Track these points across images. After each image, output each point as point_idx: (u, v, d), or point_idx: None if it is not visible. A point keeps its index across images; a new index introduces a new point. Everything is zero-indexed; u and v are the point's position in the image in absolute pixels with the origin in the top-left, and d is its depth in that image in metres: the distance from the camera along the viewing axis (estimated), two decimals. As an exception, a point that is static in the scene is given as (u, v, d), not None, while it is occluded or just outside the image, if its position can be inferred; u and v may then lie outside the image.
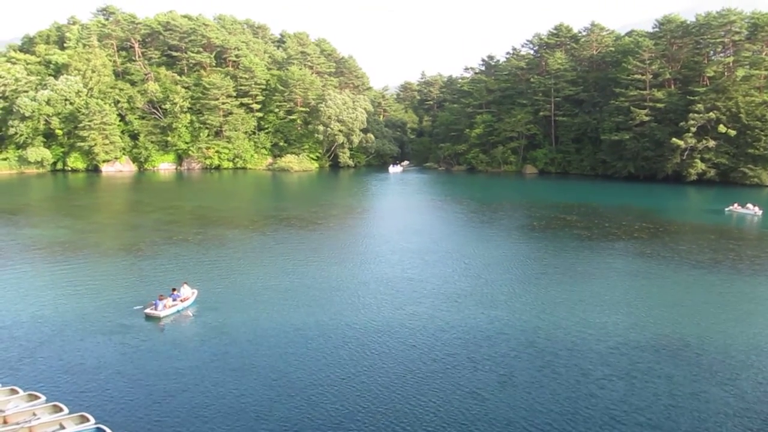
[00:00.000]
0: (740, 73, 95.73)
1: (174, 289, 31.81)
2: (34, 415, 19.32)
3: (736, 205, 65.02)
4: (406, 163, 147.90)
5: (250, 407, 20.49)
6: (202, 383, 22.29)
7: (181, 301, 31.40)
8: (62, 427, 18.69)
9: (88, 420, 18.97)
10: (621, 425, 19.29)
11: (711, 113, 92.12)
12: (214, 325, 28.80)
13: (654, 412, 20.17)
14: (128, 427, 18.83)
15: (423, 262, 41.63)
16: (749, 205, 63.89)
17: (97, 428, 18.50)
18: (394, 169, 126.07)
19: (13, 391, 20.83)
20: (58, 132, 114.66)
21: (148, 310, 30.00)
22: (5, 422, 19.07)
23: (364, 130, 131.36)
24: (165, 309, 30.06)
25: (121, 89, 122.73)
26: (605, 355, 24.92)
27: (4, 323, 28.54)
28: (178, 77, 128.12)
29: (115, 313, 30.09)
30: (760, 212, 62.28)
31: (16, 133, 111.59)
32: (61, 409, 19.60)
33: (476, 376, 22.89)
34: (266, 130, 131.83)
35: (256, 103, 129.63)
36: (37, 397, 20.42)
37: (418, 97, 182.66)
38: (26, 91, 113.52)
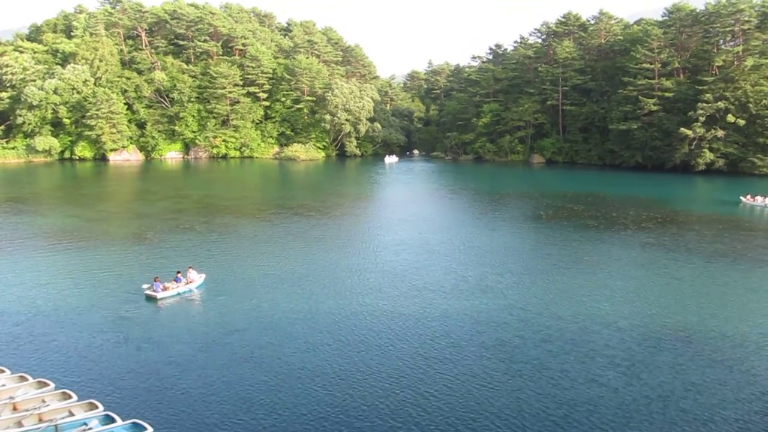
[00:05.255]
0: (749, 62, 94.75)
1: (178, 272, 32.61)
2: (44, 402, 19.52)
3: (748, 196, 64.53)
4: (416, 152, 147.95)
5: (254, 393, 20.70)
6: (208, 369, 22.48)
7: (186, 284, 32.13)
8: (71, 414, 18.88)
9: (96, 407, 19.17)
10: (624, 414, 19.30)
11: (720, 103, 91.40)
12: (220, 311, 29.15)
13: (658, 402, 20.18)
14: (136, 413, 19.00)
15: (427, 252, 41.64)
16: (758, 197, 63.34)
17: (106, 415, 18.70)
18: (390, 160, 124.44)
19: (23, 378, 21.07)
20: (66, 121, 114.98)
21: (147, 291, 31.04)
22: (15, 409, 19.29)
23: (371, 119, 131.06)
24: (163, 291, 30.95)
25: (128, 78, 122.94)
26: (608, 344, 24.90)
27: (12, 311, 28.83)
28: (185, 66, 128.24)
29: (123, 300, 30.40)
30: None
31: (24, 122, 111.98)
32: (69, 396, 19.81)
33: (478, 364, 22.93)
34: (273, 119, 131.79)
35: (263, 92, 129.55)
36: (46, 384, 20.64)
37: (425, 86, 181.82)
38: (34, 80, 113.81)
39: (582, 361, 23.33)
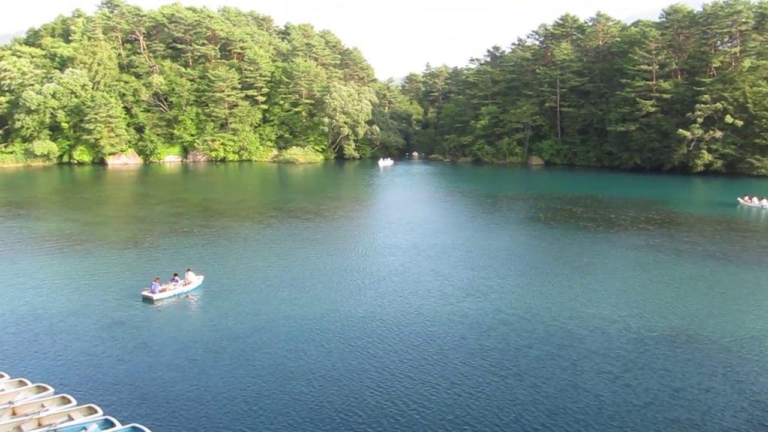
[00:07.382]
0: (747, 63, 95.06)
1: (175, 274, 32.92)
2: (43, 406, 19.49)
3: (746, 197, 64.53)
4: (415, 154, 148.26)
5: (251, 397, 20.69)
6: (207, 372, 22.47)
7: (184, 285, 32.39)
8: (70, 419, 18.87)
9: (95, 411, 19.16)
10: (610, 423, 19.15)
11: (718, 104, 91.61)
12: (217, 313, 29.21)
13: (644, 409, 20.05)
14: (135, 418, 18.99)
15: (425, 254, 41.63)
16: (755, 199, 63.27)
17: (105, 419, 18.68)
18: (384, 163, 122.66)
19: (22, 383, 21.05)
20: (64, 125, 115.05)
21: (144, 292, 31.28)
22: (14, 414, 19.27)
23: (370, 122, 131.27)
24: (161, 292, 31.25)
25: (126, 82, 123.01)
26: (596, 350, 24.69)
27: (11, 315, 28.79)
28: (183, 69, 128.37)
29: (122, 304, 30.36)
30: None
31: (22, 127, 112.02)
32: (69, 401, 19.79)
33: (462, 370, 22.79)
34: (271, 123, 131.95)
35: (261, 95, 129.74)
36: (45, 389, 20.62)
37: (423, 89, 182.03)
38: (32, 85, 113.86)
39: (566, 368, 22.99)
